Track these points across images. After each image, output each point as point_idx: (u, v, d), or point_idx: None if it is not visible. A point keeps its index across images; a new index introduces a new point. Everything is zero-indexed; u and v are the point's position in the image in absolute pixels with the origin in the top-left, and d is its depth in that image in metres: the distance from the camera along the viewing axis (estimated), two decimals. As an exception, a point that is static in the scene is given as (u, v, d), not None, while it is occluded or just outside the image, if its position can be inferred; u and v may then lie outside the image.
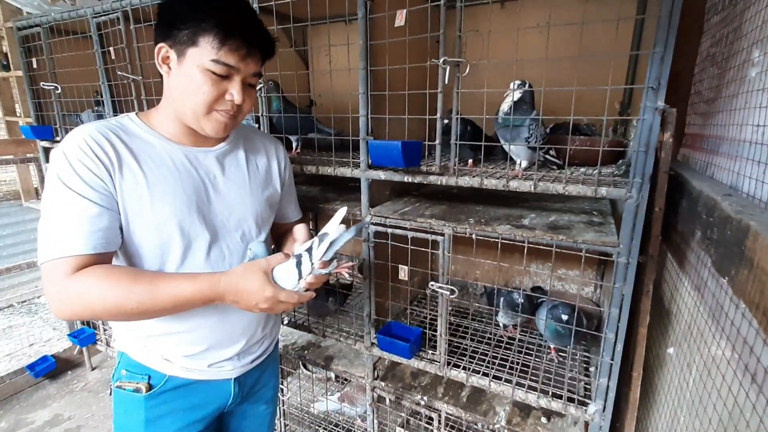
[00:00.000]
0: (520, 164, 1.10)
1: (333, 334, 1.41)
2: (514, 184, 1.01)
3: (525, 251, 1.01)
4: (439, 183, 1.11)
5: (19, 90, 2.43)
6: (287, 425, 1.77)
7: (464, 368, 1.21)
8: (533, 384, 1.14)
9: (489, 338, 1.39)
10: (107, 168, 0.75)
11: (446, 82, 1.00)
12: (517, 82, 1.02)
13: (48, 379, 2.46)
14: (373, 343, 1.33)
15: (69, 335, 2.37)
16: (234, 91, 0.80)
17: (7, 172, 3.27)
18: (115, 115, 0.92)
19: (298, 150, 1.51)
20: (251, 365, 1.00)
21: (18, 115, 2.91)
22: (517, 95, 1.02)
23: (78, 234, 0.72)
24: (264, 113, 1.35)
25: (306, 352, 1.56)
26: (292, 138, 1.56)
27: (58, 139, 2.03)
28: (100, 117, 1.95)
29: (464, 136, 1.12)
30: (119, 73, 1.59)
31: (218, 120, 0.82)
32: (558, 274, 1.70)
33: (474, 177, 1.05)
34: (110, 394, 0.97)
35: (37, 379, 2.42)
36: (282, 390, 1.67)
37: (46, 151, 2.18)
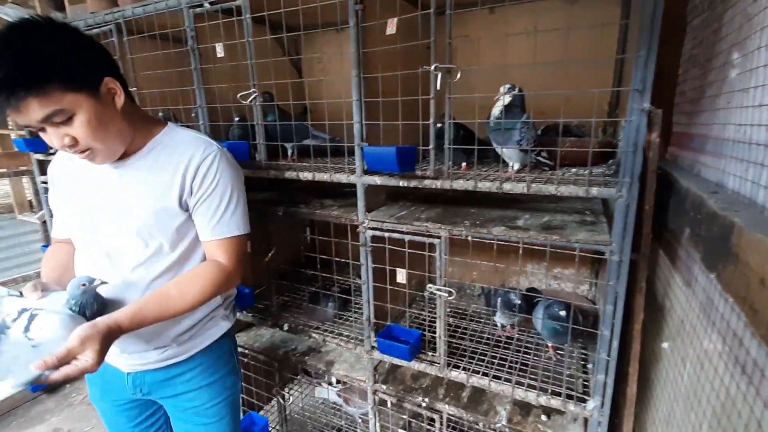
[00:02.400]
0: (513, 166, 1.12)
1: (333, 339, 1.42)
2: (507, 186, 1.03)
3: (520, 252, 1.03)
4: (433, 186, 1.12)
5: None
6: (289, 432, 1.78)
7: (464, 369, 1.22)
8: (532, 382, 1.15)
9: (487, 338, 1.40)
10: None
11: (438, 88, 1.02)
12: (507, 86, 1.05)
13: (46, 394, 2.44)
14: (373, 347, 1.34)
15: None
16: (53, 139, 0.81)
17: (0, 185, 3.25)
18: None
19: (294, 157, 1.53)
20: (144, 367, 1.05)
21: (9, 127, 2.90)
22: (507, 99, 1.05)
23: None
24: (259, 122, 1.36)
25: (306, 357, 1.57)
26: (287, 145, 1.57)
27: (51, 151, 2.03)
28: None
29: (457, 140, 1.14)
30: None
31: (79, 156, 0.87)
32: (554, 273, 1.72)
33: (468, 180, 1.07)
34: None
35: (35, 394, 2.40)
36: (283, 396, 1.67)
37: (40, 163, 2.17)
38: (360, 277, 1.30)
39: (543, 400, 1.12)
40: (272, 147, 1.40)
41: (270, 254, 1.46)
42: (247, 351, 1.65)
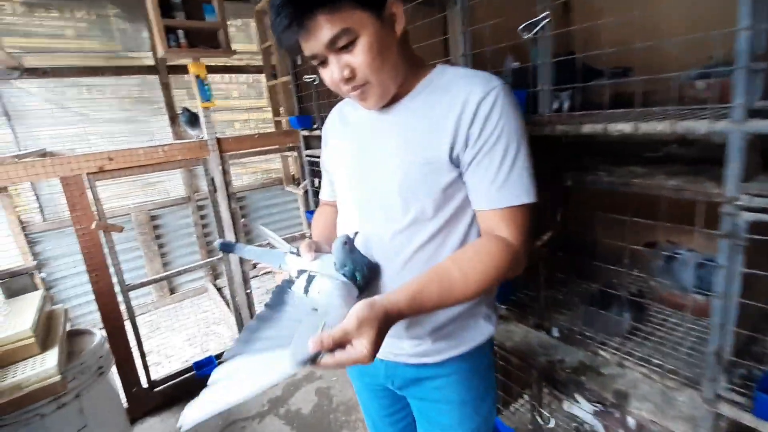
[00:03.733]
0: None
1: (637, 366, 0.99)
2: None
3: None
4: None
5: (285, 94, 2.89)
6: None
7: None
8: None
9: None
10: None
11: None
12: None
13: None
14: (720, 396, 0.86)
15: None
16: (332, 72, 0.74)
17: (275, 162, 4.02)
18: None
19: (566, 108, 1.13)
20: (397, 358, 0.90)
21: (281, 114, 3.50)
22: None
23: None
24: (543, 60, 1.02)
25: (582, 377, 1.19)
26: (563, 95, 1.20)
27: (315, 126, 2.23)
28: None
29: None
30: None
31: (355, 97, 0.79)
32: None
33: None
34: None
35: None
36: (541, 413, 1.35)
37: (306, 139, 2.45)
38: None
39: None
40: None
41: (546, 237, 1.12)
42: (495, 348, 1.40)
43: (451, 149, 0.75)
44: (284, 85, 3.07)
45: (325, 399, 2.23)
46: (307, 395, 2.28)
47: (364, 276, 0.76)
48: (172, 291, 3.73)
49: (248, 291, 2.59)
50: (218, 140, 2.27)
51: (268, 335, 0.69)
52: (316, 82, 2.06)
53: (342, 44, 0.69)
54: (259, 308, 3.13)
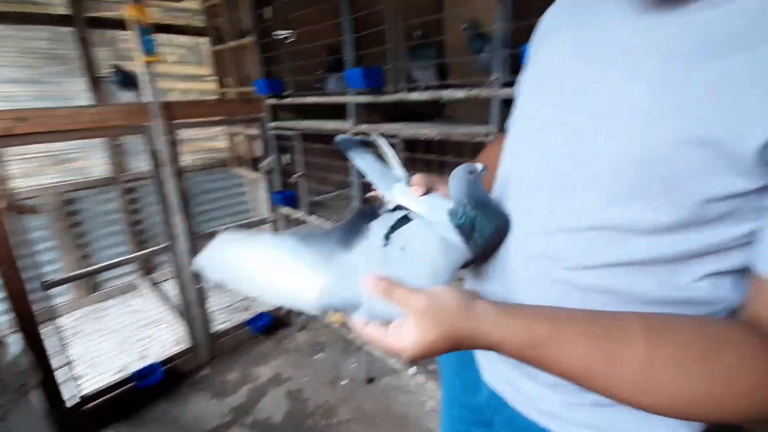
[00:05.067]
0: None
1: None
2: None
3: None
4: None
5: (232, 62, 2.50)
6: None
7: None
8: None
9: None
10: None
11: None
12: None
13: (263, 335, 2.56)
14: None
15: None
16: None
17: (220, 141, 3.58)
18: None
19: None
20: (508, 394, 0.61)
21: (228, 84, 3.08)
22: None
23: None
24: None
25: None
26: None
27: (286, 93, 1.94)
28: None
29: None
30: None
31: None
32: None
33: None
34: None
35: (256, 335, 2.53)
36: None
37: (274, 109, 2.14)
38: None
39: None
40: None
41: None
42: None
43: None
44: (232, 51, 2.70)
45: (299, 403, 1.99)
46: (277, 400, 2.01)
47: (486, 237, 0.51)
48: (94, 289, 3.17)
49: (199, 286, 2.24)
50: (165, 105, 1.88)
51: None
52: (289, 40, 1.78)
53: None
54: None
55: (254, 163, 2.92)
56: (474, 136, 1.23)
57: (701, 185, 0.39)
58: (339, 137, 0.69)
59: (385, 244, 0.50)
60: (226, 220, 3.73)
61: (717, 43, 0.37)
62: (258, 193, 3.71)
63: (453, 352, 0.45)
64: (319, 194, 2.29)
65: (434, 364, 1.78)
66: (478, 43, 1.26)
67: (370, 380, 2.07)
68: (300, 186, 2.09)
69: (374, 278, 0.45)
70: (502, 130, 1.15)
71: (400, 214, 0.55)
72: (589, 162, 0.45)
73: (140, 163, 2.97)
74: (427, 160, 1.50)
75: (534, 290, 0.51)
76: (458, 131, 1.29)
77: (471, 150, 1.45)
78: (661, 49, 0.41)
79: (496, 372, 0.64)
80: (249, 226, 2.65)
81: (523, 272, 0.53)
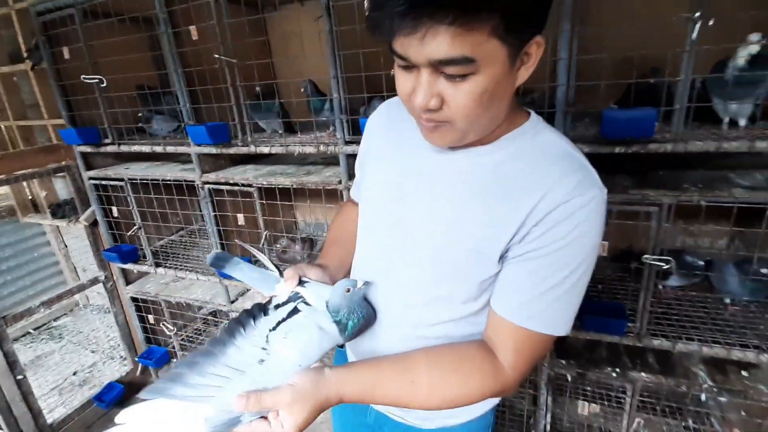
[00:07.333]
0: (740, 123, 1.05)
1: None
2: (735, 145, 0.98)
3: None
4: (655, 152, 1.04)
5: (40, 88, 1.99)
6: None
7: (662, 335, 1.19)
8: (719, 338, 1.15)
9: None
10: None
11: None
12: (758, 34, 0.95)
13: (117, 407, 2.25)
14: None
15: (139, 358, 2.17)
16: (417, 89, 0.54)
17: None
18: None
19: None
20: (387, 410, 0.85)
21: (44, 117, 2.38)
22: (755, 49, 0.95)
23: None
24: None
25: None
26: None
27: (106, 141, 1.73)
28: (175, 116, 1.69)
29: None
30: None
31: (423, 126, 0.61)
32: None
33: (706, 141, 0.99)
34: None
35: (107, 410, 2.21)
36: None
37: (85, 157, 1.86)
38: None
39: (737, 353, 1.11)
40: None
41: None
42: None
43: (508, 244, 0.61)
44: (6, 77, 2.20)
45: None
46: None
47: (356, 328, 0.68)
48: None
49: (20, 377, 1.83)
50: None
51: (197, 380, 0.58)
52: (103, 85, 1.60)
53: (451, 72, 0.51)
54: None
55: (58, 209, 2.43)
56: (327, 185, 1.41)
57: (478, 273, 0.65)
58: (209, 260, 0.76)
59: (271, 332, 0.63)
60: (28, 288, 3.01)
61: (489, 176, 0.62)
62: (74, 244, 3.09)
63: None
64: (160, 239, 2.11)
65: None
66: (318, 102, 1.43)
67: None
68: (140, 238, 1.90)
69: (243, 398, 0.56)
70: (350, 177, 1.36)
71: (291, 306, 0.67)
72: (415, 254, 0.68)
73: None
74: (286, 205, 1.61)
75: (400, 344, 0.73)
76: (312, 179, 1.45)
77: (326, 193, 1.63)
78: (461, 172, 0.65)
79: None
80: (74, 292, 2.23)
81: (392, 332, 0.75)
